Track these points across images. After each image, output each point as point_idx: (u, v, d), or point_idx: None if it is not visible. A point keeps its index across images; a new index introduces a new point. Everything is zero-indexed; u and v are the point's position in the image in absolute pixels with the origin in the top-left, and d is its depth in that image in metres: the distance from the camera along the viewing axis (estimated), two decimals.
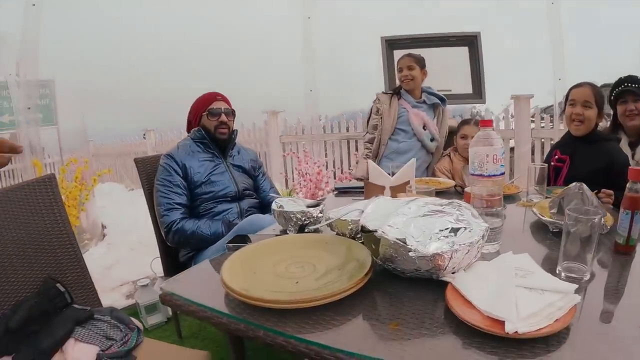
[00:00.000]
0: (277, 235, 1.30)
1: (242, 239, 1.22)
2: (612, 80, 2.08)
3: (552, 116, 3.71)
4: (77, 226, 3.32)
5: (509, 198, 1.68)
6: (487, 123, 1.11)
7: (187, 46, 5.02)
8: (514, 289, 0.76)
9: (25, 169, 3.55)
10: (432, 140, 2.62)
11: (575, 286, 0.76)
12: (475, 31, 3.84)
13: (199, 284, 1.01)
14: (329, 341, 0.69)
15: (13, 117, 3.59)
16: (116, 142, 6.84)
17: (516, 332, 0.64)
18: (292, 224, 1.30)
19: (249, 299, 0.79)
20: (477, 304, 0.73)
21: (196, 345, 2.08)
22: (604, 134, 1.95)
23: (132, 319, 1.26)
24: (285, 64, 4.93)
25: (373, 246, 0.91)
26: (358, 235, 1.10)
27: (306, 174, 3.94)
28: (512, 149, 3.87)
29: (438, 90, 2.71)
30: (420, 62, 2.58)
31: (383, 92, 2.75)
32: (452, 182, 2.00)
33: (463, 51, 3.94)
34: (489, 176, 1.06)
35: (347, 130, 4.56)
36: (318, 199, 1.55)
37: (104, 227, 3.98)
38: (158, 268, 2.01)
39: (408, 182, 1.47)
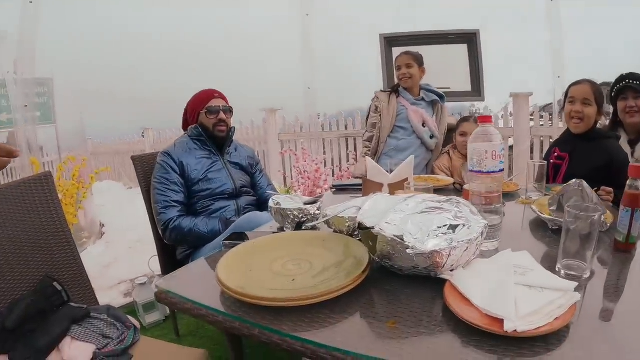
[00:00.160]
0: (274, 232, 1.30)
1: (239, 237, 1.21)
2: (611, 78, 2.08)
3: (551, 114, 3.70)
4: (75, 224, 3.30)
5: (508, 196, 1.67)
6: (486, 119, 1.10)
7: (185, 45, 5.02)
8: (513, 287, 0.75)
9: (23, 167, 3.53)
10: (431, 137, 2.62)
11: (575, 284, 0.75)
12: (474, 28, 3.82)
13: (195, 282, 1.00)
14: (325, 340, 0.68)
15: (11, 115, 3.58)
16: (114, 141, 6.84)
17: (515, 330, 0.64)
18: (289, 222, 1.30)
19: (245, 297, 0.78)
20: (476, 302, 0.72)
21: (194, 343, 2.07)
22: (604, 132, 1.94)
23: (129, 317, 1.26)
24: (283, 62, 4.93)
25: (370, 243, 0.90)
26: (355, 233, 1.09)
27: (304, 171, 3.93)
28: (511, 147, 3.86)
29: (437, 88, 2.71)
30: (419, 60, 2.58)
31: (382, 91, 2.74)
32: (450, 180, 1.99)
33: (462, 49, 3.92)
34: (488, 172, 1.04)
35: (346, 128, 4.56)
36: (316, 196, 1.54)
37: (102, 225, 3.98)
38: (156, 266, 2.00)
39: (406, 180, 1.46)
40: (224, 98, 1.97)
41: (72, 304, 1.22)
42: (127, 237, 3.56)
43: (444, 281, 0.82)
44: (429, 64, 2.65)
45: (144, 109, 5.89)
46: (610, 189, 1.52)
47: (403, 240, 0.82)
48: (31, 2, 3.44)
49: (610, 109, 2.10)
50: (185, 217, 1.76)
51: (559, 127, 3.40)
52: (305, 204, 1.33)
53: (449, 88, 3.72)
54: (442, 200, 0.95)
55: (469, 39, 3.87)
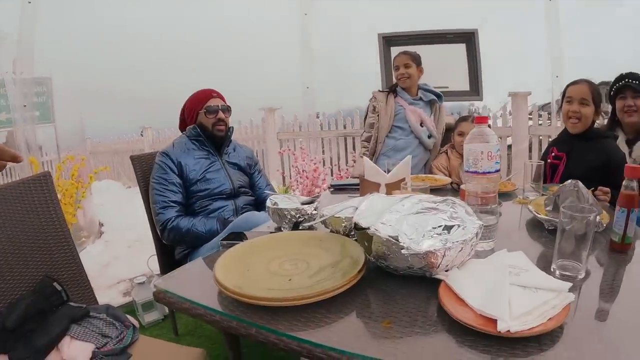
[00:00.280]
0: (271, 232, 1.30)
1: (236, 237, 1.22)
2: (610, 78, 2.08)
3: (549, 113, 3.71)
4: (74, 224, 3.31)
5: (506, 195, 1.68)
6: (482, 120, 1.11)
7: (184, 44, 5.02)
8: (508, 287, 0.75)
9: (22, 166, 3.53)
10: (429, 136, 2.62)
11: (569, 284, 0.75)
12: (472, 28, 3.83)
13: (193, 282, 1.01)
14: (321, 339, 0.69)
15: (10, 114, 3.58)
16: (113, 140, 6.83)
17: (508, 331, 0.64)
18: (287, 221, 1.30)
19: (242, 297, 0.79)
20: (470, 302, 0.73)
21: (192, 342, 2.08)
22: (601, 132, 1.95)
23: (128, 316, 1.26)
24: (282, 61, 4.93)
25: (366, 243, 0.91)
26: (352, 233, 1.10)
27: (303, 171, 3.93)
28: (509, 147, 3.87)
29: (435, 87, 2.71)
30: (417, 60, 2.58)
31: (379, 91, 2.74)
32: (448, 180, 1.99)
33: (460, 48, 3.93)
34: (484, 173, 1.05)
35: (344, 127, 4.55)
36: (313, 196, 1.55)
37: (101, 224, 3.98)
38: (155, 266, 2.01)
39: (404, 180, 1.47)
40: (222, 97, 1.97)
41: (72, 304, 1.23)
42: (126, 236, 3.56)
43: (439, 281, 0.82)
44: (427, 63, 2.65)
45: (143, 109, 5.90)
46: (607, 189, 1.53)
47: (398, 240, 0.83)
48: (30, 2, 3.44)
49: (609, 108, 2.11)
50: (183, 217, 1.77)
51: (557, 126, 3.40)
52: (303, 204, 1.34)
53: (448, 87, 3.74)
54: (438, 201, 0.95)
55: (468, 38, 3.87)
